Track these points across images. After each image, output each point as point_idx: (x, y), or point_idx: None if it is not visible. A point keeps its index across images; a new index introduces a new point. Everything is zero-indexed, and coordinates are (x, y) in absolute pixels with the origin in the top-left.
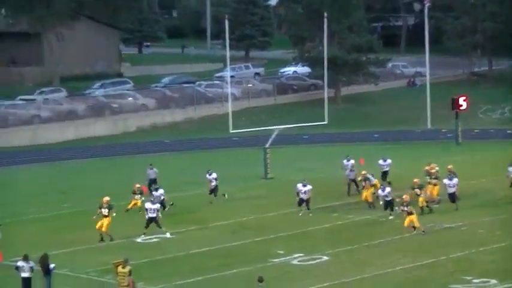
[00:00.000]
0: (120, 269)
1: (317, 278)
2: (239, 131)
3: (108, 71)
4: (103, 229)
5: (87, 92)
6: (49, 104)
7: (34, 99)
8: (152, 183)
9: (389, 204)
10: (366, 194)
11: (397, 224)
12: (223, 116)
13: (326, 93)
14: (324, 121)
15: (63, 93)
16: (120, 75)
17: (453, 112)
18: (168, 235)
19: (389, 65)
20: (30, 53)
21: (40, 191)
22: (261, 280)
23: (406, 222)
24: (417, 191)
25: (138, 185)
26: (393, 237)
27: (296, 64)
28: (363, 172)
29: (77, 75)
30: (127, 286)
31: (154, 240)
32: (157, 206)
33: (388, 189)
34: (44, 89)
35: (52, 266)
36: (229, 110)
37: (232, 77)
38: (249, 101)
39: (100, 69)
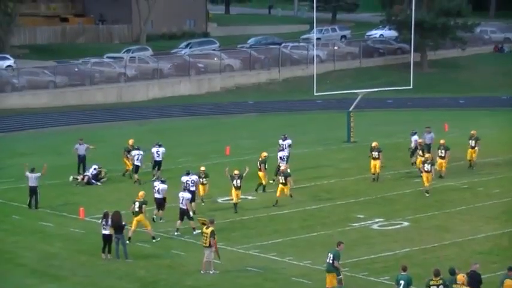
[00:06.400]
0: (204, 229)
1: (397, 243)
2: (323, 93)
3: (194, 31)
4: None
5: (173, 51)
6: (135, 63)
7: (121, 57)
8: (82, 161)
9: None
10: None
11: (479, 192)
12: (307, 78)
13: (412, 57)
14: (409, 86)
15: (149, 51)
16: (206, 35)
17: None
18: None
19: (478, 30)
20: (119, 11)
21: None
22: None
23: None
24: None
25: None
26: (475, 205)
27: (383, 27)
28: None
29: (164, 34)
30: (209, 247)
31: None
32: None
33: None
34: (130, 47)
35: (124, 223)
36: (314, 73)
37: (318, 39)
38: (335, 63)
39: (187, 28)
